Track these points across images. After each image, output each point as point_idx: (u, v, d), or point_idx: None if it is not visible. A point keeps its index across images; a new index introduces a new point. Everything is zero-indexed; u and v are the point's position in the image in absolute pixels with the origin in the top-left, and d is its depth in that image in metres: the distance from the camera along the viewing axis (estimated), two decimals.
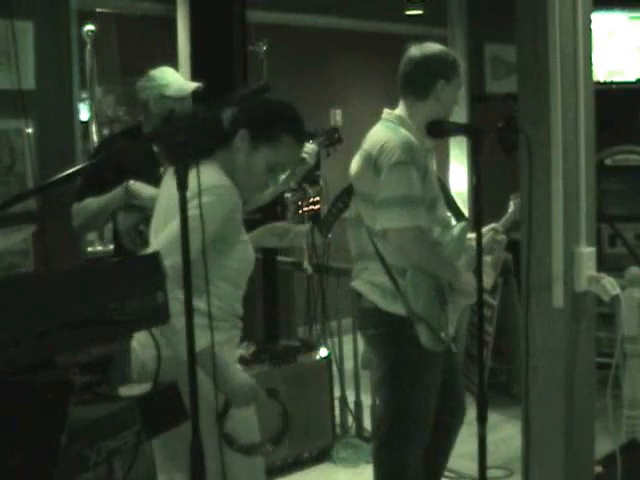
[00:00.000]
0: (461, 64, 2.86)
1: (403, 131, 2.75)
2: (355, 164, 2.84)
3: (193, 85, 3.23)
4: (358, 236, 2.87)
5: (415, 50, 2.80)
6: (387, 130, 2.77)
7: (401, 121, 2.79)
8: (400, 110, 2.83)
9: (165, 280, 1.68)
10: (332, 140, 3.70)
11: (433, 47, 2.79)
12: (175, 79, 3.24)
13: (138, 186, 3.04)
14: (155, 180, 3.10)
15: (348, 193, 2.93)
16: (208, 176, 2.11)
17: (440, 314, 2.79)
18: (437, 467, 3.10)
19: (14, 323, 1.41)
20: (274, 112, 2.26)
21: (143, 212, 3.04)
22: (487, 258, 3.00)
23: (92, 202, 3.13)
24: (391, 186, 2.67)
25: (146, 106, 3.23)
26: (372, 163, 2.73)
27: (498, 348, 5.02)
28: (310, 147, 3.47)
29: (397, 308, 2.76)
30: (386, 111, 2.85)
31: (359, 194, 2.83)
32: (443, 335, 2.78)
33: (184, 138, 1.77)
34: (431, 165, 2.84)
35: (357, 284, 2.89)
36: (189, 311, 1.78)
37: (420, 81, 2.77)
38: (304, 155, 3.39)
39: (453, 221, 2.99)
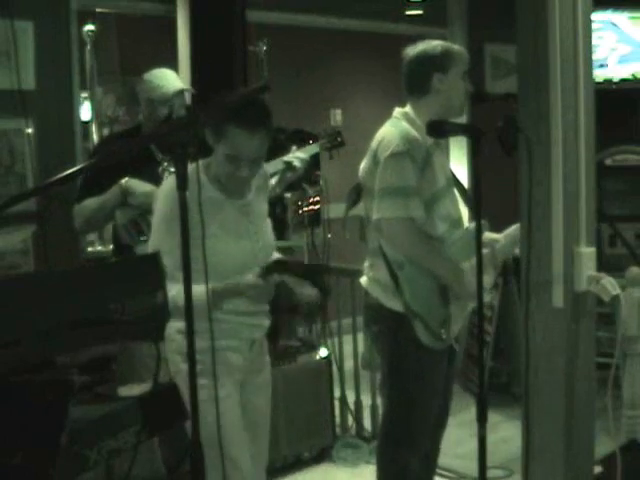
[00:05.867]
0: (459, 52, 2.88)
1: (404, 125, 2.81)
2: (363, 161, 2.90)
3: (176, 88, 3.23)
4: (369, 234, 2.92)
5: (409, 50, 2.88)
6: (390, 125, 2.84)
7: (406, 117, 2.85)
8: (407, 108, 2.89)
9: (165, 280, 1.69)
10: (334, 143, 3.68)
11: (425, 44, 2.86)
12: (162, 82, 3.24)
13: (133, 183, 3.10)
14: (154, 179, 3.13)
15: (357, 191, 2.96)
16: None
17: (441, 312, 2.79)
18: (428, 467, 3.10)
19: (14, 323, 1.41)
20: (221, 107, 2.30)
21: (138, 208, 3.10)
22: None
23: (91, 202, 3.18)
24: (385, 176, 2.73)
25: (143, 109, 3.30)
26: (373, 156, 2.80)
27: (498, 348, 5.02)
28: (299, 154, 3.44)
29: (397, 304, 2.78)
30: (396, 109, 2.91)
31: (366, 190, 2.88)
32: (443, 333, 2.78)
33: (183, 138, 1.78)
34: (439, 160, 2.87)
35: (363, 280, 2.95)
36: (189, 309, 1.78)
37: (417, 79, 2.84)
38: (294, 162, 3.37)
39: (466, 220, 3.01)
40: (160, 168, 3.20)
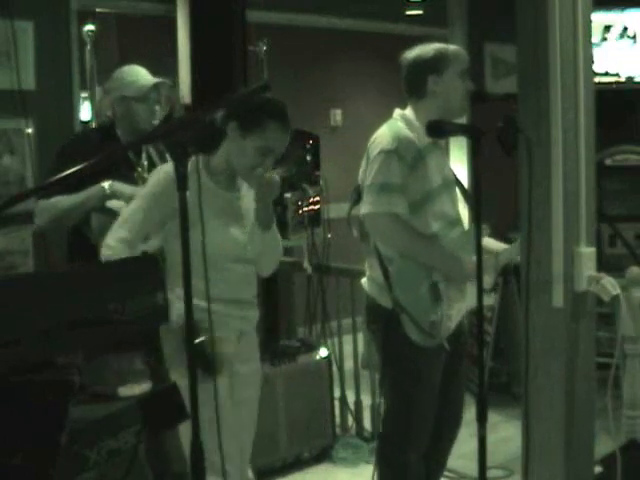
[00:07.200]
0: (455, 52, 2.88)
1: (399, 124, 2.83)
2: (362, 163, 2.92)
3: (150, 82, 3.15)
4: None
5: (406, 54, 2.90)
6: (385, 126, 2.86)
7: (404, 118, 2.86)
8: (407, 110, 2.91)
9: (165, 280, 1.69)
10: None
11: (420, 48, 2.88)
12: (135, 78, 3.17)
13: (119, 186, 2.96)
14: (130, 181, 3.03)
15: (358, 192, 2.97)
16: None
17: (431, 308, 2.78)
18: (436, 469, 3.10)
19: (14, 323, 1.41)
20: (259, 104, 2.50)
21: (116, 214, 2.88)
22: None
23: (63, 200, 2.98)
24: (371, 173, 2.76)
25: (114, 108, 3.18)
26: (367, 156, 2.83)
27: (498, 348, 5.02)
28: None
29: (389, 302, 2.78)
30: (396, 111, 2.93)
31: (363, 189, 2.88)
32: (432, 330, 2.76)
33: (183, 138, 1.78)
34: (435, 160, 2.86)
35: (363, 280, 2.97)
36: (189, 308, 1.78)
37: (414, 82, 2.87)
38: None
39: (466, 221, 3.01)
40: (135, 173, 3.10)
